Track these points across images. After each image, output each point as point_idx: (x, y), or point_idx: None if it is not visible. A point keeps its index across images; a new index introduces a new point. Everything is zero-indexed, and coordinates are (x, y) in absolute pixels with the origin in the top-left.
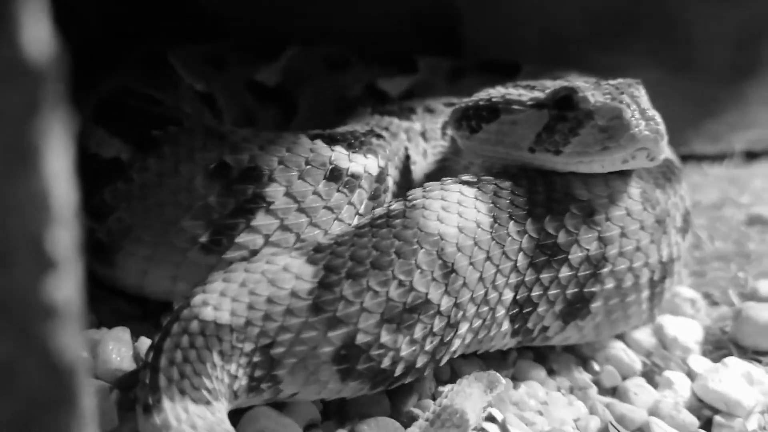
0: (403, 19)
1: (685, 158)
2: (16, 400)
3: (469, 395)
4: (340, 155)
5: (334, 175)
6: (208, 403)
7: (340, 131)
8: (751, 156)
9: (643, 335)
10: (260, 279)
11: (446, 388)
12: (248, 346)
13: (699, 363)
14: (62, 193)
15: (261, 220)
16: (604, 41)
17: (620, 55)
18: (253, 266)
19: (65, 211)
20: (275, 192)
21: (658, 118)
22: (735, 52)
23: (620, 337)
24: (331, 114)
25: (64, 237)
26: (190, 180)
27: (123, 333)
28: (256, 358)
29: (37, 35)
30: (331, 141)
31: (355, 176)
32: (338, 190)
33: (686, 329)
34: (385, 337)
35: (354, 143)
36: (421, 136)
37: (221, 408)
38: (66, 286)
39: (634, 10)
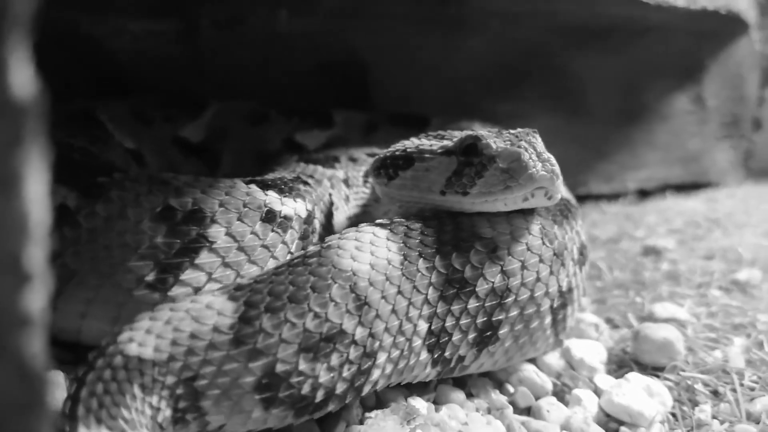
0: (314, 72)
1: (584, 198)
2: None
3: (382, 429)
4: (273, 199)
5: (269, 216)
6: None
7: (270, 177)
8: (643, 194)
9: (553, 358)
10: (184, 317)
11: (371, 414)
12: (170, 379)
13: (604, 381)
14: (39, 215)
15: (204, 258)
16: (499, 92)
17: (515, 104)
18: (178, 305)
19: (40, 230)
20: (217, 232)
21: (553, 160)
22: (621, 97)
23: (531, 361)
24: (252, 166)
25: (39, 254)
26: (138, 223)
27: (57, 377)
28: (179, 391)
29: (22, 76)
30: (264, 186)
31: (287, 218)
32: (273, 230)
33: (591, 351)
34: (303, 365)
35: (284, 188)
36: (344, 183)
37: None
38: (39, 299)
39: (525, 62)
